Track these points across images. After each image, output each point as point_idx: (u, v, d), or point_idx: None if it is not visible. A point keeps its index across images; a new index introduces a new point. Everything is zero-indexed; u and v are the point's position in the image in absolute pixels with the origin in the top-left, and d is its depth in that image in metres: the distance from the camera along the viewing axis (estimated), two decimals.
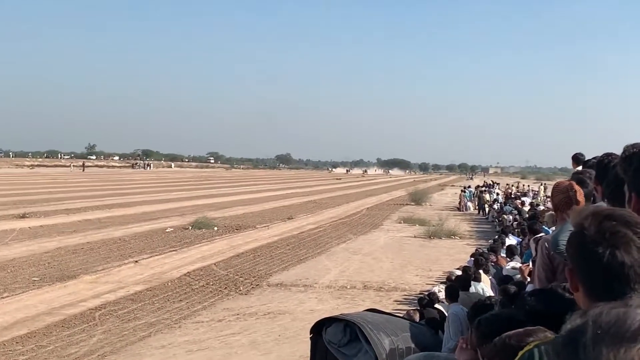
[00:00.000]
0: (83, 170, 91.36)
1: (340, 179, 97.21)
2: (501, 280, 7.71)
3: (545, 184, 45.92)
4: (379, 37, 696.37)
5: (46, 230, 21.55)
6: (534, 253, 5.51)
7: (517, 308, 2.72)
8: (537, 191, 37.82)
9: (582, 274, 1.39)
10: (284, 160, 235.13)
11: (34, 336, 9.53)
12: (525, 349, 1.67)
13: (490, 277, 9.08)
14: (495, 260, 10.61)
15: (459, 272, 9.36)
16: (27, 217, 24.91)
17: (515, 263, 9.14)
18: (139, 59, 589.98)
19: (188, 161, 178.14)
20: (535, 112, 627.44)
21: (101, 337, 9.55)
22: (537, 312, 2.46)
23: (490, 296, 4.73)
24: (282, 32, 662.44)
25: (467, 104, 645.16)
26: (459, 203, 39.00)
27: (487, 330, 2.31)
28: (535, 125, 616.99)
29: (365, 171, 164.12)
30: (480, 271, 8.74)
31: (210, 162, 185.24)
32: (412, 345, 5.38)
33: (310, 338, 6.27)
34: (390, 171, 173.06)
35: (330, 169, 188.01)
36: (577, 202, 3.90)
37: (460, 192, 40.21)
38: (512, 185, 42.11)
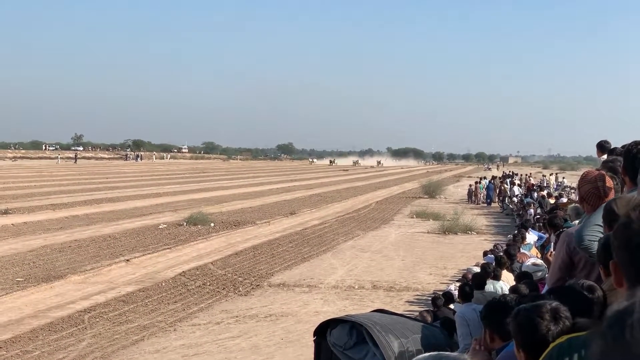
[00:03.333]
0: (75, 162, 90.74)
1: (347, 170, 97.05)
2: (519, 277, 7.73)
3: (559, 173, 45.46)
4: (388, 18, 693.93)
5: (30, 227, 21.69)
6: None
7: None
8: (548, 181, 37.64)
9: (628, 269, 1.38)
10: (286, 150, 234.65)
11: (19, 341, 9.65)
12: (557, 341, 1.69)
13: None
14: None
15: (477, 270, 9.40)
16: (9, 213, 25.06)
17: (536, 259, 9.15)
18: (127, 45, 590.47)
19: (177, 152, 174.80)
20: (558, 97, 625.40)
21: (91, 342, 9.66)
22: None
23: (505, 294, 4.75)
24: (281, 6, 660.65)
25: (484, 88, 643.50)
26: (468, 193, 39.27)
27: (526, 321, 2.32)
28: (558, 110, 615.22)
29: (357, 162, 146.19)
30: (504, 270, 8.76)
31: (183, 152, 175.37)
32: (423, 348, 5.42)
33: (314, 340, 6.34)
34: (381, 161, 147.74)
35: (311, 160, 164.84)
36: (606, 194, 3.87)
37: (474, 183, 40.18)
38: (527, 176, 41.93)
